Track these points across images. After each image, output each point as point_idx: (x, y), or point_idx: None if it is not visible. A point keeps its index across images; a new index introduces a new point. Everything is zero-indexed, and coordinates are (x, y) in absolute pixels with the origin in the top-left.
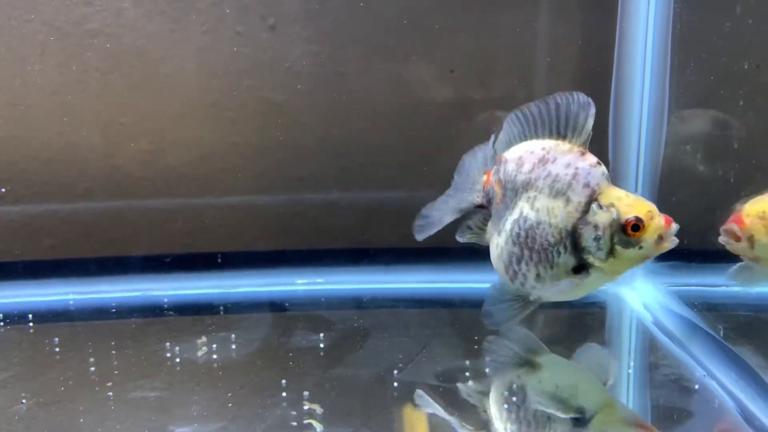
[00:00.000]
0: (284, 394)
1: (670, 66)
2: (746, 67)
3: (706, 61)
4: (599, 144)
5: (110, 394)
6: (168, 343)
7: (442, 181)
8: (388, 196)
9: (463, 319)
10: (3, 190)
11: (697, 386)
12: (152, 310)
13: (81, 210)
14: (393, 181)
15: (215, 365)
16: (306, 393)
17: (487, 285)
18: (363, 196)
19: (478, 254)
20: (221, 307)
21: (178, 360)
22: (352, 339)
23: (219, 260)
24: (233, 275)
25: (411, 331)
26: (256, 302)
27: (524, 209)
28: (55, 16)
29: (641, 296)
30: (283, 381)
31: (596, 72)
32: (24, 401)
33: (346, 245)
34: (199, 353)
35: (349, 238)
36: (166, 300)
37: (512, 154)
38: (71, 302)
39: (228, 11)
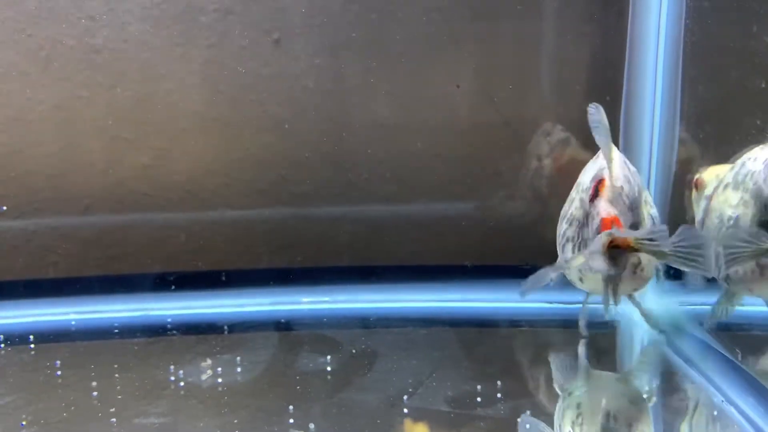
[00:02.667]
0: (291, 420)
1: (682, 80)
2: (763, 85)
3: (718, 78)
4: None
5: (113, 419)
6: (172, 364)
7: (448, 196)
8: (394, 212)
9: (473, 339)
10: (5, 208)
11: (715, 412)
12: (155, 330)
13: (83, 226)
14: (399, 196)
15: (220, 387)
16: (312, 425)
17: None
18: (369, 212)
19: (486, 272)
20: (225, 327)
21: (182, 383)
22: (359, 360)
23: (223, 278)
24: (238, 294)
25: (420, 352)
26: (261, 321)
27: (652, 211)
28: (58, 30)
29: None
30: (291, 407)
31: (606, 85)
32: (24, 423)
33: (352, 262)
34: (203, 375)
35: (355, 254)
36: (169, 319)
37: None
38: (73, 322)
39: (232, 25)
